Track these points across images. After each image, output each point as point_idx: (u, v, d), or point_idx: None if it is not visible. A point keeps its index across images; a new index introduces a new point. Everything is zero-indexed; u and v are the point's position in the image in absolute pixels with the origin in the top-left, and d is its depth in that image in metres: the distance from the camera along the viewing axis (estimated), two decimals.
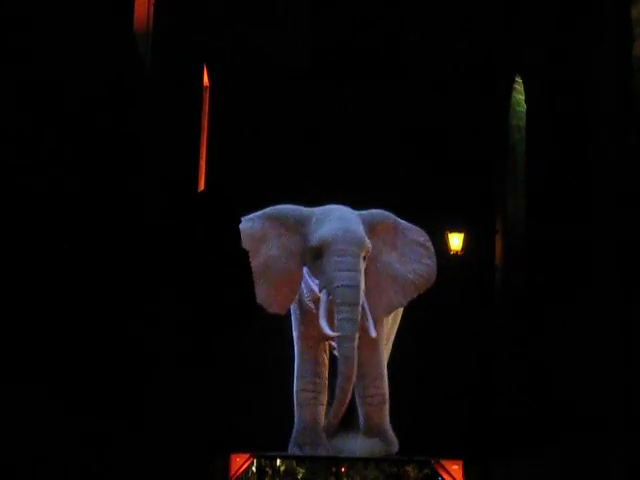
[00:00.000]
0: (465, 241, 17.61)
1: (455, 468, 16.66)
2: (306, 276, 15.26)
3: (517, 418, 14.86)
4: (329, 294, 14.40)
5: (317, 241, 14.66)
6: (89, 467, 8.91)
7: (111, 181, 10.05)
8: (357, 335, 14.40)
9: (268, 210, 15.46)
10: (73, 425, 8.42)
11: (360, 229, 14.85)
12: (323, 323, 14.35)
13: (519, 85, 16.26)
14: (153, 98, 12.48)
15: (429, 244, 15.61)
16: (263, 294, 15.10)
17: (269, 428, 16.37)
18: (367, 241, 14.77)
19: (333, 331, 14.34)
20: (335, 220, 14.80)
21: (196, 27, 15.35)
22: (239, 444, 16.44)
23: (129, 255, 10.84)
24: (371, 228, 15.20)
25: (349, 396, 14.44)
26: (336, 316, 14.28)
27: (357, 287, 14.22)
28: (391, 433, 15.78)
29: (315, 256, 14.70)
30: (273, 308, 15.33)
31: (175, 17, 14.00)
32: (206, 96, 17.44)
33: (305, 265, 14.99)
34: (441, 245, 17.47)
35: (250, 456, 16.80)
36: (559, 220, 12.84)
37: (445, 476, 16.75)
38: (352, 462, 17.96)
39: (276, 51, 18.52)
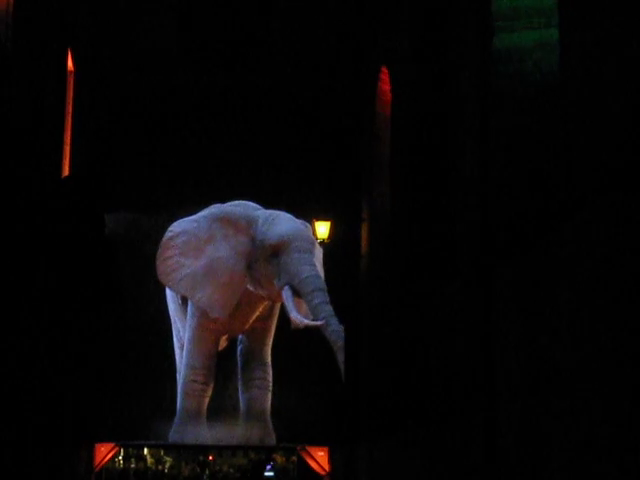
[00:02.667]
0: (331, 229, 17.74)
1: (321, 454, 16.87)
2: None
3: (380, 404, 15.08)
4: (294, 288, 14.61)
5: (276, 238, 14.87)
6: None
7: None
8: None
9: (215, 211, 15.51)
10: None
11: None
12: (295, 314, 14.57)
13: (385, 76, 16.44)
14: (14, 83, 12.21)
15: None
16: (206, 297, 15.19)
17: (136, 417, 16.24)
18: None
19: (312, 319, 14.63)
20: (287, 220, 15.30)
21: (60, 10, 15.07)
22: (104, 433, 16.27)
23: None
24: None
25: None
26: (311, 302, 14.57)
27: (322, 277, 14.75)
28: (270, 423, 15.93)
29: (270, 254, 14.85)
30: (216, 311, 15.37)
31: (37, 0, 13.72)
32: (70, 81, 17.16)
33: (251, 267, 15.11)
34: None
35: (115, 445, 16.64)
36: (423, 209, 13.06)
37: (311, 462, 16.93)
38: (220, 450, 17.96)
39: (142, 35, 18.30)
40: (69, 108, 17.01)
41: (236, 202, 16.03)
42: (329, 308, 14.72)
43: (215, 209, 15.59)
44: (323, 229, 17.74)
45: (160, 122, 18.23)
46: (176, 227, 15.53)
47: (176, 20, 18.86)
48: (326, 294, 14.82)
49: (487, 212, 9.28)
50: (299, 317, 14.73)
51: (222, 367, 16.51)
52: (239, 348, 16.28)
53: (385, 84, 16.51)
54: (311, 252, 15.04)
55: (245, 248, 15.24)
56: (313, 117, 18.27)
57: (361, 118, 17.56)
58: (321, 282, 14.81)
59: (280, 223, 15.23)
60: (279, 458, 19.33)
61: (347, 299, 17.60)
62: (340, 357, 14.79)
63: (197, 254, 15.34)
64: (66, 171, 16.86)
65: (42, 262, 14.05)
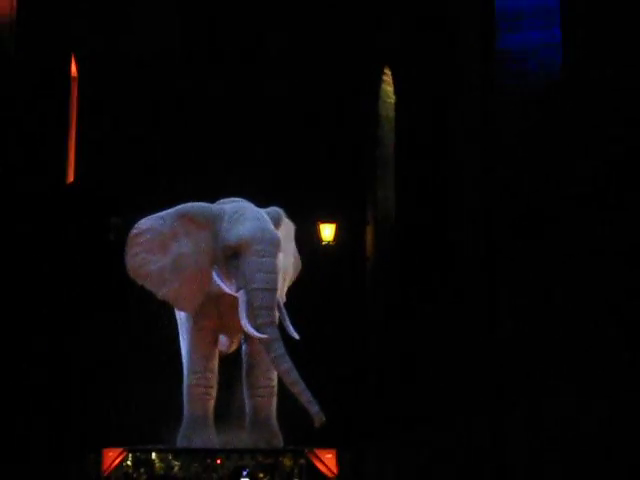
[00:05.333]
0: (336, 232, 17.73)
1: (329, 457, 16.77)
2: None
3: (388, 405, 15.09)
4: (247, 295, 14.30)
5: (235, 240, 14.45)
6: None
7: None
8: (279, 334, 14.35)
9: (179, 207, 15.26)
10: None
11: (275, 229, 14.86)
12: (245, 322, 14.23)
13: (388, 77, 16.46)
14: (19, 89, 12.24)
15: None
16: (172, 292, 15.02)
17: (144, 421, 16.24)
18: (281, 241, 14.84)
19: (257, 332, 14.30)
20: (252, 219, 14.64)
21: (63, 15, 15.09)
22: (112, 438, 16.26)
23: None
24: (275, 227, 15.22)
25: (301, 383, 14.30)
26: (256, 321, 14.17)
27: (275, 290, 14.24)
28: (276, 426, 15.82)
29: (230, 255, 14.53)
30: (182, 306, 15.23)
31: (40, 5, 13.74)
32: (74, 86, 17.17)
33: (215, 263, 14.83)
34: (313, 236, 17.55)
35: (123, 450, 16.61)
36: (426, 211, 13.06)
37: (319, 465, 16.85)
38: (228, 454, 17.91)
39: (146, 39, 18.30)
40: (73, 114, 17.03)
41: (227, 199, 15.80)
42: (272, 330, 14.15)
43: (181, 207, 15.38)
44: (328, 231, 17.72)
45: (164, 126, 18.23)
46: (142, 224, 15.25)
47: (180, 25, 18.86)
48: (272, 312, 14.29)
49: (490, 215, 9.28)
50: (249, 326, 14.40)
51: (230, 369, 16.48)
52: (243, 347, 16.17)
53: (389, 85, 16.53)
54: (271, 256, 14.51)
55: (208, 244, 15.00)
56: (317, 120, 18.25)
57: (365, 120, 17.56)
58: (269, 298, 14.17)
59: (243, 222, 14.72)
60: (287, 461, 19.25)
61: (353, 302, 17.60)
62: (290, 378, 14.26)
63: (163, 251, 15.11)
64: (71, 177, 16.88)
65: (47, 268, 14.07)
